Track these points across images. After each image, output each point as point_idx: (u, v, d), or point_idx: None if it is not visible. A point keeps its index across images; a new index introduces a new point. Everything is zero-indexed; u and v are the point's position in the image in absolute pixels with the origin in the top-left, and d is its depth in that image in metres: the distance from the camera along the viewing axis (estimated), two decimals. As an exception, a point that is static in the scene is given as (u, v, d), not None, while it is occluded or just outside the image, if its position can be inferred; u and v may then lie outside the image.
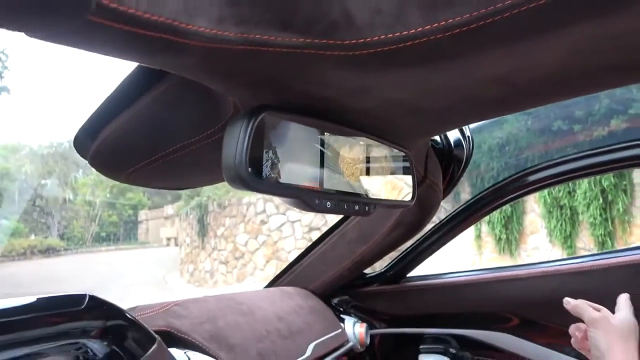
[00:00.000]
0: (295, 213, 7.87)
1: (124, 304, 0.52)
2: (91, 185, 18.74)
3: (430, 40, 0.36)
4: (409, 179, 0.65)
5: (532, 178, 1.14)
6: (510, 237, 6.24)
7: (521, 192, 1.15)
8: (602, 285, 1.03)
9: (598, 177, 5.00)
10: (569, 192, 5.52)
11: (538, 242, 6.08)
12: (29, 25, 0.23)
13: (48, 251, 15.28)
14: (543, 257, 5.92)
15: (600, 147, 1.05)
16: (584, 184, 5.28)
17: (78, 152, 0.55)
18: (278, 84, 0.40)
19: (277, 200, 7.99)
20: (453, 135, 0.90)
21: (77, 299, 0.34)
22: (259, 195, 8.14)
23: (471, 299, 1.18)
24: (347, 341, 1.11)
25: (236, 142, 0.40)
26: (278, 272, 1.25)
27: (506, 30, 0.36)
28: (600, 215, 5.23)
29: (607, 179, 5.05)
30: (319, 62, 0.37)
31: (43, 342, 0.32)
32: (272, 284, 1.24)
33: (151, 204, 19.32)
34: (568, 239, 5.61)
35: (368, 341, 1.15)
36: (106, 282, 9.69)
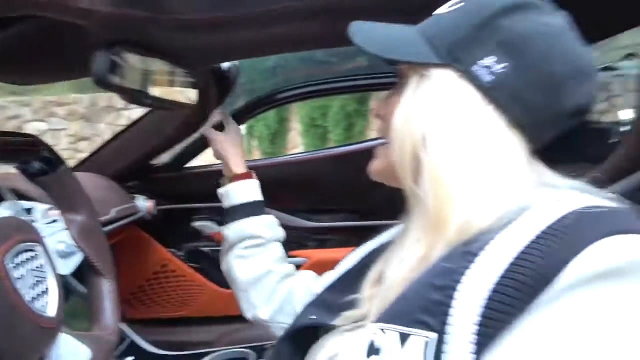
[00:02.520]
0: (59, 120, 7.22)
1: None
2: None
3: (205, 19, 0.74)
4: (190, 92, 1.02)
5: (282, 95, 1.62)
6: (275, 151, 7.12)
7: (272, 105, 1.63)
8: (317, 171, 1.62)
9: (345, 102, 6.10)
10: (323, 115, 6.58)
11: (297, 156, 7.13)
12: None
13: None
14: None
15: (344, 76, 1.59)
16: (334, 108, 6.37)
17: None
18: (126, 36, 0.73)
19: (36, 104, 7.17)
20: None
21: (29, 135, 0.62)
22: (11, 99, 7.19)
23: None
24: (139, 212, 1.47)
25: (103, 61, 0.72)
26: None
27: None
28: (345, 134, 6.45)
29: (351, 105, 6.21)
30: (149, 26, 0.72)
31: (17, 156, 0.61)
32: (74, 170, 1.48)
33: None
34: (320, 154, 6.76)
35: (155, 212, 1.52)
36: None
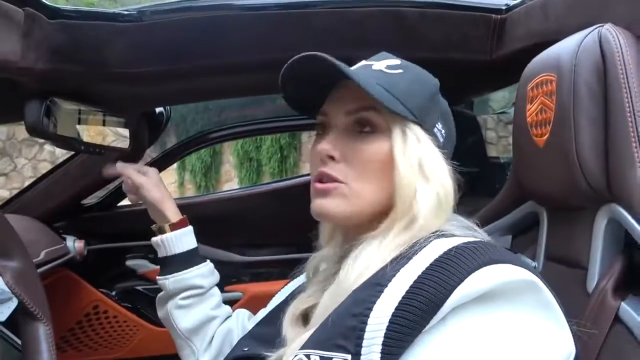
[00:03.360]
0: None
1: None
2: None
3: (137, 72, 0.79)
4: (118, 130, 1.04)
5: (212, 135, 1.68)
6: (208, 184, 7.05)
7: (204, 144, 1.68)
8: (252, 206, 1.67)
9: (278, 136, 6.20)
10: (257, 147, 6.64)
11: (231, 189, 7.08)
12: None
13: None
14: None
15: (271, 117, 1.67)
16: (268, 141, 6.45)
17: None
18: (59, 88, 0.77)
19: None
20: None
21: None
22: None
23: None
24: (69, 253, 1.44)
25: (36, 110, 0.75)
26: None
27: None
28: (278, 166, 6.53)
29: (284, 138, 6.32)
30: (84, 78, 0.77)
31: None
32: (-4, 212, 1.44)
33: None
34: (254, 186, 6.78)
35: (85, 253, 1.50)
36: None
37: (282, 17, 0.83)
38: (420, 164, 0.57)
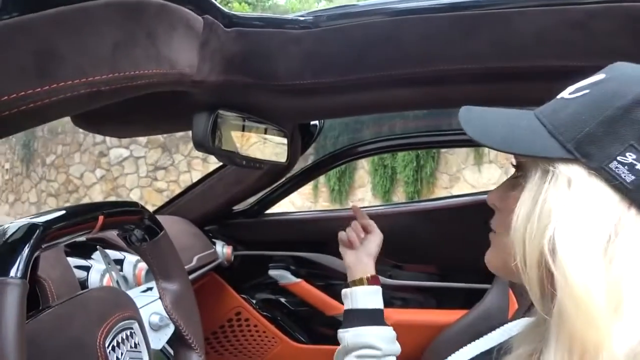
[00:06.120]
0: (141, 148, 7.63)
1: None
2: None
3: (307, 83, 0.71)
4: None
5: (361, 149, 1.60)
6: (342, 189, 7.09)
7: (351, 158, 1.61)
8: (394, 224, 1.55)
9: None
10: (392, 155, 6.50)
11: (363, 195, 7.04)
12: None
13: None
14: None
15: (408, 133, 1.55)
16: (404, 148, 6.27)
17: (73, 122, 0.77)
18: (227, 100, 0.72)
19: (121, 134, 7.65)
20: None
21: (134, 203, 0.62)
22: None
23: (308, 231, 1.62)
24: (218, 258, 1.46)
25: (204, 124, 0.71)
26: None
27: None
28: (413, 175, 6.31)
29: (421, 147, 6.08)
30: (253, 90, 0.70)
31: (121, 224, 0.60)
32: (156, 212, 1.51)
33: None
34: (386, 194, 6.64)
35: (232, 259, 1.52)
36: None
37: (476, 20, 0.68)
38: (551, 231, 0.40)
